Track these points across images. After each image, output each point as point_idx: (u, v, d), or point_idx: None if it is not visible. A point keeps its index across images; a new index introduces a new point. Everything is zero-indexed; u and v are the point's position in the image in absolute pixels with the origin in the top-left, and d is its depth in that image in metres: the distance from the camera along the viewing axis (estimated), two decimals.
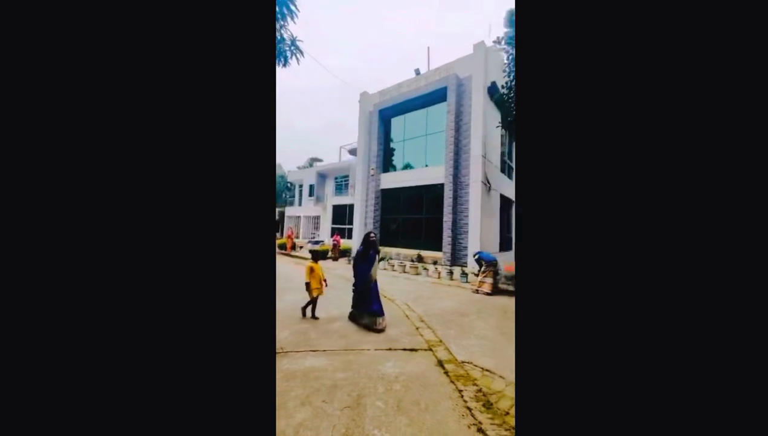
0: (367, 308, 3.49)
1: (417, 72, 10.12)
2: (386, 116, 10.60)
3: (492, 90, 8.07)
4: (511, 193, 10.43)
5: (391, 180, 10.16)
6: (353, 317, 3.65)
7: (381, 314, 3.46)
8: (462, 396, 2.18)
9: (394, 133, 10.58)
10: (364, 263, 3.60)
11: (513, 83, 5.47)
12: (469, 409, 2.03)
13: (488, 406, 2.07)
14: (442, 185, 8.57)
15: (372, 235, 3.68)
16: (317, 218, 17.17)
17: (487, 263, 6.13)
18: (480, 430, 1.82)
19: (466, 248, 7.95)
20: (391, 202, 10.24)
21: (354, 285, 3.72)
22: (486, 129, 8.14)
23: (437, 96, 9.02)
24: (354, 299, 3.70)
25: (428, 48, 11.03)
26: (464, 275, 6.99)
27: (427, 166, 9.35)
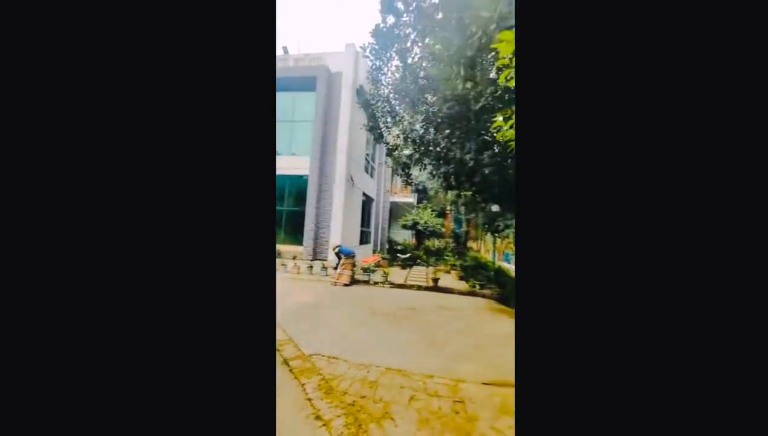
0: None
1: (285, 50, 9.37)
2: None
3: (360, 92, 8.60)
4: (371, 191, 11.52)
5: None
6: None
7: None
8: (304, 389, 2.18)
9: None
10: None
11: (377, 91, 6.02)
12: (310, 399, 2.05)
13: (329, 392, 2.16)
14: (306, 177, 8.36)
15: None
16: None
17: (346, 256, 6.49)
18: (318, 417, 1.87)
19: (327, 241, 8.12)
20: None
21: None
22: (353, 128, 8.59)
23: (306, 83, 8.70)
24: None
25: (299, 31, 10.46)
26: (324, 268, 7.12)
27: (294, 154, 8.86)
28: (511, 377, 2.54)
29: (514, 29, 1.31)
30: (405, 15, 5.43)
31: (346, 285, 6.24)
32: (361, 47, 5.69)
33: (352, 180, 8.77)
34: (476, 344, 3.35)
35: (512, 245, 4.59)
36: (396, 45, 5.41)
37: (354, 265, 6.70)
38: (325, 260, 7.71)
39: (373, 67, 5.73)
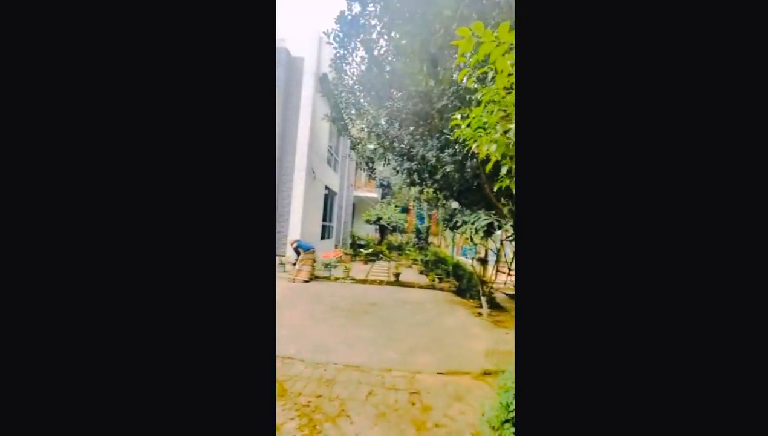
0: None
1: None
2: None
3: (323, 81, 8.27)
4: (334, 185, 11.24)
5: None
6: None
7: None
8: None
9: None
10: None
11: (341, 81, 5.82)
12: None
13: (282, 394, 2.05)
14: None
15: None
16: None
17: (305, 252, 6.25)
18: None
19: (286, 236, 7.74)
20: None
21: None
22: (315, 118, 8.24)
23: None
24: None
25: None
26: (282, 264, 6.80)
27: None
28: (463, 366, 2.66)
29: (472, 26, 1.31)
30: (371, 5, 5.30)
31: (305, 281, 6.02)
32: (324, 33, 5.44)
33: (313, 172, 8.45)
34: (434, 336, 3.46)
35: (469, 241, 4.84)
36: (361, 35, 5.26)
37: (314, 260, 6.49)
38: (284, 256, 7.35)
39: (337, 55, 5.52)
